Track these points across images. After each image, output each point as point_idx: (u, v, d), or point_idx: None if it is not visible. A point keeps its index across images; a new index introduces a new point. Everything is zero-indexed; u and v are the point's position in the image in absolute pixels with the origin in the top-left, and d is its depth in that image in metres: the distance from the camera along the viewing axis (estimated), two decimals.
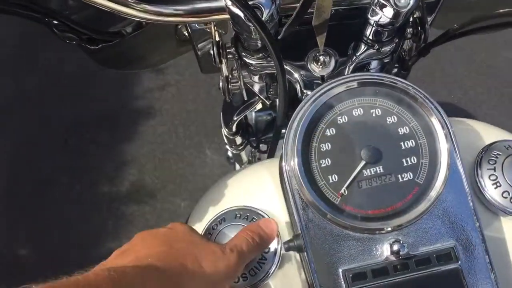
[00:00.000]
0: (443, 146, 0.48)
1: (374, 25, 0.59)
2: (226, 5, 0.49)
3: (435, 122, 0.49)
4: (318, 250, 0.47)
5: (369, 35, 0.62)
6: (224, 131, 0.90)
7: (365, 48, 0.63)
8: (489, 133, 0.58)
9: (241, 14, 0.48)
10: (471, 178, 0.52)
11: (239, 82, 0.69)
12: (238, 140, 0.92)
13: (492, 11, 0.59)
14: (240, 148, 0.95)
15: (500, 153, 0.53)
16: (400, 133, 0.49)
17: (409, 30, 0.66)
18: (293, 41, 0.64)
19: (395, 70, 0.73)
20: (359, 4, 0.56)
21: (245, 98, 0.76)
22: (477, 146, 0.55)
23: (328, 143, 0.49)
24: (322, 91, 0.50)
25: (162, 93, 2.13)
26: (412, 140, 0.49)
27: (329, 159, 0.49)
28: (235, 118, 0.85)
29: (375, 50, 0.63)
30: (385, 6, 0.53)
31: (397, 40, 0.64)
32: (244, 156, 1.02)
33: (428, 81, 2.08)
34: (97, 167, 1.86)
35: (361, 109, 0.50)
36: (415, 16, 0.67)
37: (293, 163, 0.49)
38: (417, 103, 0.50)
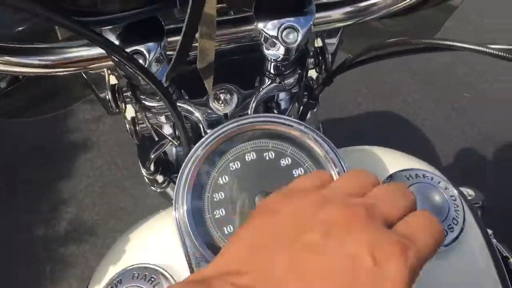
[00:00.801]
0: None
1: (271, 60, 0.57)
2: (107, 53, 0.46)
3: (328, 163, 0.47)
4: None
5: (270, 69, 0.60)
6: (143, 171, 0.86)
7: (269, 82, 0.61)
8: (394, 161, 0.57)
9: (123, 61, 0.45)
10: None
11: (146, 123, 0.65)
12: (160, 178, 0.88)
13: (392, 37, 0.59)
14: (163, 186, 0.91)
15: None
16: (295, 174, 0.47)
17: (311, 60, 0.65)
18: (196, 78, 0.61)
19: (305, 99, 0.72)
20: (247, 43, 0.54)
21: (156, 139, 0.73)
22: (381, 176, 0.54)
23: (221, 192, 0.47)
24: (210, 138, 0.48)
25: (99, 124, 2.06)
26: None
27: (223, 210, 0.46)
28: (151, 157, 0.81)
29: (277, 84, 0.62)
30: (274, 44, 0.51)
31: (299, 71, 0.63)
32: (171, 192, 0.99)
33: (365, 91, 2.12)
34: (31, 208, 1.77)
35: (254, 153, 0.48)
36: (316, 46, 0.66)
37: (182, 212, 0.46)
38: (310, 143, 0.48)
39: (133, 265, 0.50)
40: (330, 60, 0.64)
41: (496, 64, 2.17)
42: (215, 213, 0.46)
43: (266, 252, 0.33)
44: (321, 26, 0.54)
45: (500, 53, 0.40)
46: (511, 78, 2.10)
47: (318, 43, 0.64)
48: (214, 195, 0.47)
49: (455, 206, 0.52)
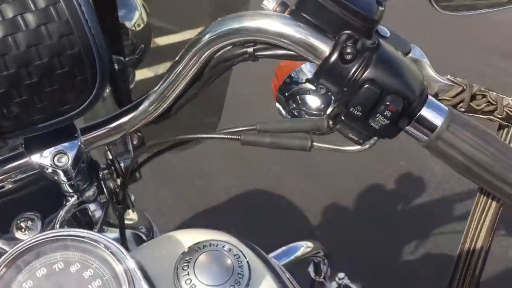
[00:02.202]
0: (125, 283, 0.53)
1: (60, 180, 0.65)
2: None
3: (115, 265, 0.54)
4: None
5: (66, 189, 0.67)
6: None
7: (70, 201, 0.68)
8: (190, 239, 0.65)
9: None
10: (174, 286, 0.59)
11: None
12: None
13: None
14: None
15: (191, 257, 0.60)
16: (86, 276, 0.54)
17: (105, 172, 0.74)
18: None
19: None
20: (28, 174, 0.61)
21: None
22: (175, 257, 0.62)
23: None
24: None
25: None
26: (99, 280, 0.54)
27: None
28: None
29: (77, 200, 0.69)
30: (49, 169, 0.59)
31: (96, 184, 0.71)
32: None
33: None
34: None
35: (44, 269, 0.53)
36: (108, 158, 0.75)
37: None
38: (96, 249, 0.55)
39: None
40: (122, 166, 0.72)
41: None
42: None
43: None
44: (93, 144, 0.63)
45: None
46: None
47: (109, 155, 0.73)
48: None
49: (239, 262, 0.61)
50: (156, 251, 0.67)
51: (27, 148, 0.58)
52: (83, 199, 0.69)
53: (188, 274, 0.59)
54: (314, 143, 0.56)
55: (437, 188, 2.47)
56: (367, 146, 0.56)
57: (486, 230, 0.68)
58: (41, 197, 0.70)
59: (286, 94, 0.65)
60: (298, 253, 1.10)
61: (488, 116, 0.57)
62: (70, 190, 0.67)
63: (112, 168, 0.72)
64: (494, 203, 0.66)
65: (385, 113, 0.47)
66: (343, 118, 0.52)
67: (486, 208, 0.66)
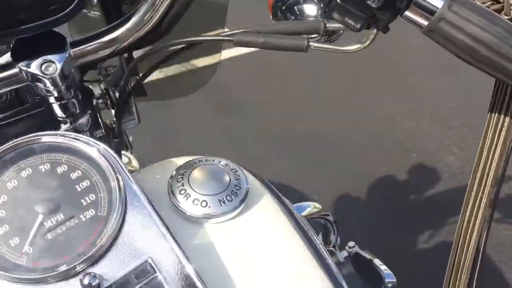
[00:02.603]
0: (113, 179, 0.51)
1: (52, 101, 0.63)
2: None
3: (103, 162, 0.52)
4: None
5: (58, 113, 0.65)
6: None
7: (64, 127, 0.66)
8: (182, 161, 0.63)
9: None
10: (169, 200, 0.56)
11: None
12: None
13: None
14: None
15: (186, 170, 0.58)
16: (73, 177, 0.51)
17: (100, 101, 0.72)
18: None
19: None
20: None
21: None
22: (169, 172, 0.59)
23: (2, 211, 0.49)
24: None
25: None
26: (87, 180, 0.51)
27: (6, 226, 0.48)
28: None
29: (70, 126, 0.66)
30: (38, 79, 0.57)
31: (90, 112, 0.69)
32: None
33: None
34: None
35: (30, 169, 0.51)
36: (102, 88, 0.73)
37: None
38: (84, 150, 0.53)
39: None
40: (117, 96, 0.70)
41: None
42: None
43: None
44: (84, 58, 0.61)
45: None
46: None
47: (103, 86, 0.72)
48: None
49: (236, 176, 0.58)
50: (151, 173, 0.65)
51: (14, 56, 0.56)
52: (77, 126, 0.67)
53: (182, 185, 0.57)
54: (311, 43, 0.53)
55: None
56: (366, 43, 0.53)
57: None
58: (34, 128, 0.69)
59: (283, 8, 0.63)
60: (305, 213, 1.07)
61: None
62: (63, 114, 0.65)
63: (107, 97, 0.70)
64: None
65: None
66: (338, 1, 0.49)
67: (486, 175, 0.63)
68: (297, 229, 0.60)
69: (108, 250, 0.48)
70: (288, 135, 2.58)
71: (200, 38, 0.56)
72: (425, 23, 0.50)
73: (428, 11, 0.49)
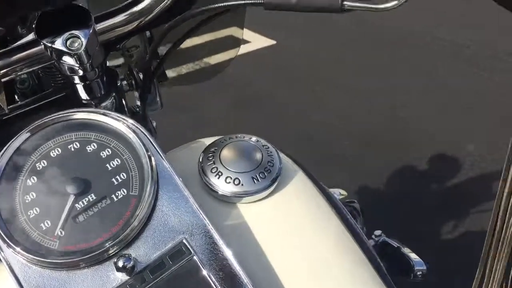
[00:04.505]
0: (144, 156, 0.48)
1: (76, 81, 0.61)
2: None
3: (133, 137, 0.50)
4: None
5: (82, 95, 0.63)
6: None
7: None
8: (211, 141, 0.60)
9: None
10: (201, 179, 0.54)
11: None
12: None
13: None
14: None
15: (217, 148, 0.55)
16: (103, 156, 0.49)
17: (124, 83, 0.70)
18: None
19: None
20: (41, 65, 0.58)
21: None
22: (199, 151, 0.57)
23: (32, 193, 0.47)
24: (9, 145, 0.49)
25: None
26: (117, 159, 0.49)
27: (37, 208, 0.46)
28: None
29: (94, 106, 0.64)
30: (63, 54, 0.55)
31: (114, 94, 0.67)
32: None
33: None
34: None
35: (59, 149, 0.49)
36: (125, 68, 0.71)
37: None
38: (114, 127, 0.51)
39: None
40: (141, 77, 0.68)
41: None
42: (29, 213, 0.46)
43: None
44: (108, 34, 0.59)
45: None
46: None
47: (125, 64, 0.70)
48: (25, 197, 0.47)
49: (269, 152, 0.55)
50: (181, 154, 0.63)
51: (38, 33, 0.54)
52: (102, 109, 0.65)
53: (214, 163, 0.54)
54: (346, 2, 0.50)
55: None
56: (403, 0, 0.50)
57: None
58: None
59: None
60: None
61: None
62: (87, 96, 0.63)
63: (131, 77, 0.68)
64: None
65: None
66: None
67: None
68: (334, 211, 0.57)
69: (141, 231, 0.46)
70: None
71: (231, 3, 0.54)
72: None
73: None
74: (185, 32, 0.62)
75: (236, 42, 0.94)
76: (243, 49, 2.73)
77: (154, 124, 0.79)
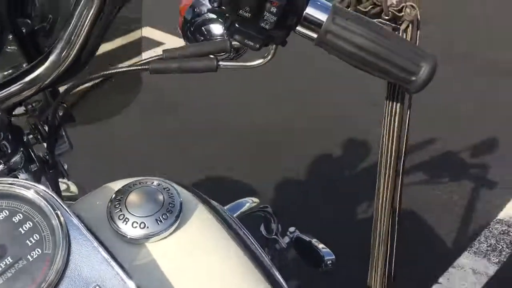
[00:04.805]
0: (54, 217, 0.54)
1: None
2: None
3: (41, 201, 0.55)
4: None
5: None
6: None
7: None
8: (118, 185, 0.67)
9: None
10: (110, 226, 0.61)
11: None
12: None
13: None
14: None
15: (122, 195, 0.62)
16: (16, 221, 0.54)
17: (30, 137, 0.74)
18: None
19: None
20: None
21: None
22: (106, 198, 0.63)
23: None
24: None
25: None
26: (29, 222, 0.55)
27: None
28: None
29: (5, 169, 0.68)
30: None
31: (22, 149, 0.71)
32: None
33: None
34: None
35: None
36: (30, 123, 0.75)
37: None
38: (22, 194, 0.56)
39: None
40: (47, 129, 0.73)
41: None
42: None
43: None
44: (7, 102, 0.64)
45: None
46: None
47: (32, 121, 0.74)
48: None
49: (170, 194, 0.63)
50: (91, 201, 0.69)
51: None
52: (10, 166, 0.69)
53: (120, 210, 0.61)
54: (220, 63, 0.59)
55: None
56: (269, 57, 0.60)
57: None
58: None
59: (191, 29, 0.68)
60: (245, 208, 1.13)
61: (378, 20, 0.62)
62: None
63: (36, 131, 0.73)
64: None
65: (271, 10, 0.51)
66: (237, 25, 0.55)
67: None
68: (230, 232, 0.66)
69: (57, 284, 0.52)
70: None
71: (118, 70, 0.60)
72: (315, 36, 0.57)
73: (316, 25, 0.56)
74: (89, 87, 0.68)
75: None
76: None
77: (66, 166, 0.84)
